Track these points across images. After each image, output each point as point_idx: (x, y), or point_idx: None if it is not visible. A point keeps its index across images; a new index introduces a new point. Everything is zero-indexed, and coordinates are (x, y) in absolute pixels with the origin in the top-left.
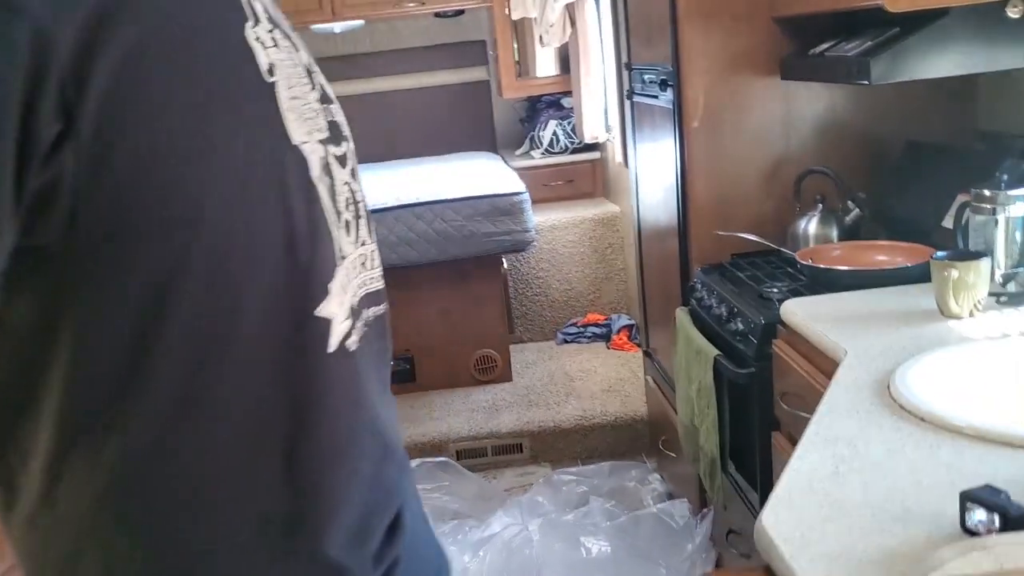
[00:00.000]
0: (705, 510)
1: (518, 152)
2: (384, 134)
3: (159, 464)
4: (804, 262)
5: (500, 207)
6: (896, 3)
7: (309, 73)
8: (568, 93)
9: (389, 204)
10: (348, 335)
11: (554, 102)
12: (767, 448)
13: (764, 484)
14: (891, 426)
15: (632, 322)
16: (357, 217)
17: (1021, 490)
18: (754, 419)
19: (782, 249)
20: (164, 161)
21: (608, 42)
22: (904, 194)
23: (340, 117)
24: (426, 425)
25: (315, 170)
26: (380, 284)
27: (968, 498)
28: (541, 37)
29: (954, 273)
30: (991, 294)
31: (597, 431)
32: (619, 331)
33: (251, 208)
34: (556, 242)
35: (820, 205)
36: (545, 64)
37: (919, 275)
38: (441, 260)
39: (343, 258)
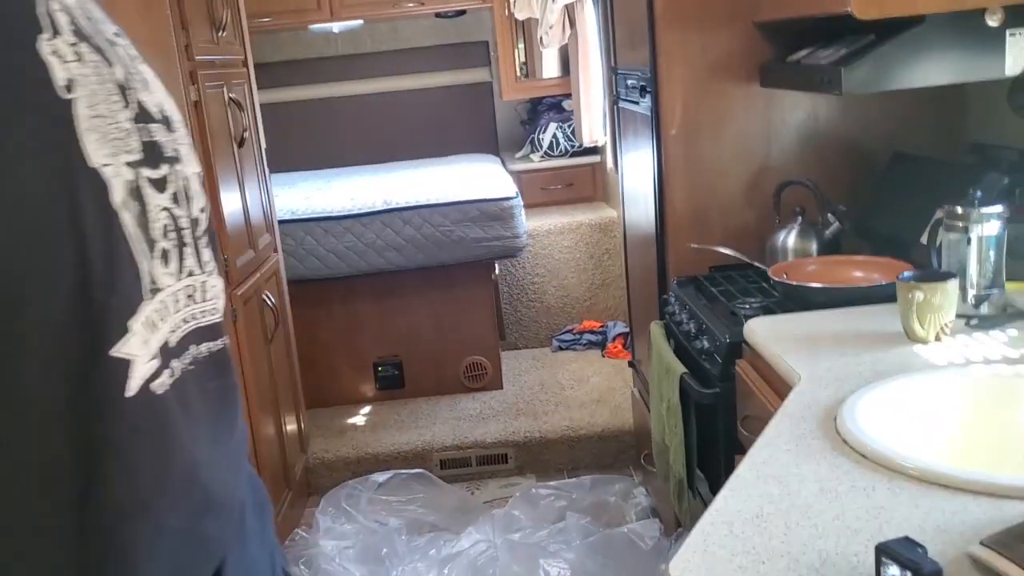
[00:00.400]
0: (680, 530)
1: (518, 155)
2: (384, 135)
3: None
4: (776, 278)
5: (489, 212)
6: (866, 10)
7: (123, 90)
8: (570, 95)
9: (377, 208)
10: (155, 376)
11: (555, 104)
12: (731, 472)
13: None
14: (830, 462)
15: (628, 330)
16: (181, 245)
17: (951, 540)
18: (719, 442)
19: (755, 263)
20: None
21: None
22: (888, 207)
23: (164, 137)
24: (410, 433)
25: (118, 195)
26: (214, 318)
27: (883, 552)
28: (542, 38)
29: (919, 295)
30: (962, 316)
31: (584, 442)
32: (614, 339)
33: (30, 237)
34: (552, 247)
35: (800, 218)
36: (549, 66)
37: (894, 294)
38: (430, 265)
39: (156, 291)
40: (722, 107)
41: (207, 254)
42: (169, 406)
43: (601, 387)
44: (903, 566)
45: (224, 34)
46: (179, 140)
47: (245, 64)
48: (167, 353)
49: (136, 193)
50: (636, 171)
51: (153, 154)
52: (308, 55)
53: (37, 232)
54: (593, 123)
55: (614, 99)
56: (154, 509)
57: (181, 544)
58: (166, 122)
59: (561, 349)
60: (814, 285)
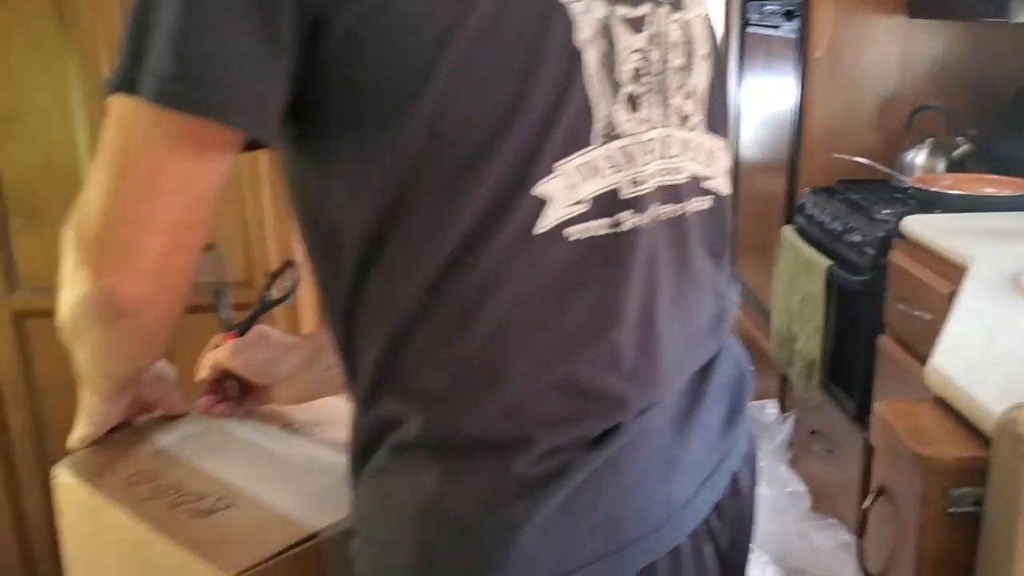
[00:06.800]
0: (786, 414)
1: None
2: None
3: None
4: (919, 185)
5: None
6: None
7: None
8: None
9: None
10: (574, 222)
11: None
12: (870, 351)
13: (863, 387)
14: None
15: None
16: (657, 92)
17: None
18: (861, 325)
19: (894, 174)
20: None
21: None
22: (1011, 138)
23: None
24: None
25: (584, 32)
26: (676, 179)
27: None
28: None
29: None
30: None
31: None
32: None
33: (485, 70)
34: None
35: (931, 139)
36: None
37: None
38: None
39: (613, 137)
40: (864, 35)
41: (689, 106)
42: (583, 255)
43: None
44: None
45: None
46: None
47: None
48: (612, 203)
49: (606, 31)
50: (762, 97)
51: None
52: None
53: (493, 63)
54: None
55: (742, 25)
56: (536, 348)
57: (575, 396)
58: None
59: None
60: (955, 193)
